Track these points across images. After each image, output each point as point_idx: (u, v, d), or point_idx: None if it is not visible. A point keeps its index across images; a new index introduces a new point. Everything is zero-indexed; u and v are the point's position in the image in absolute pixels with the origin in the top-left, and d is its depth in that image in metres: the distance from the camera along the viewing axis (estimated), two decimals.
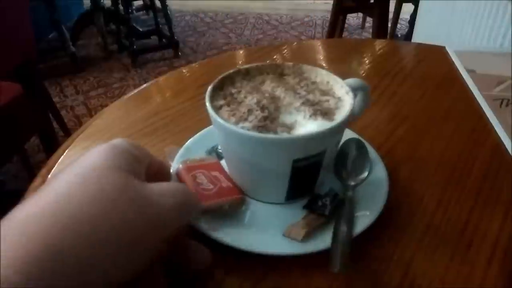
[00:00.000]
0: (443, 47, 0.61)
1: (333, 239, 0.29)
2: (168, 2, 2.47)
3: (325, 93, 0.33)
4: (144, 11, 3.09)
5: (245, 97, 0.33)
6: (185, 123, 0.46)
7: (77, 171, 0.23)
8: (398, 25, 2.54)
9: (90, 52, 2.70)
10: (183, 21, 3.19)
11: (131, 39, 2.43)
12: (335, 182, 0.35)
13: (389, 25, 2.20)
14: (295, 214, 0.32)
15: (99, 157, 0.24)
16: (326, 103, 0.32)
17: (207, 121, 0.32)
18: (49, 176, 0.39)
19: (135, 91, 0.54)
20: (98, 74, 2.41)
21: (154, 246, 0.23)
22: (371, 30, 2.23)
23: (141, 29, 2.69)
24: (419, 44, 0.65)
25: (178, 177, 0.33)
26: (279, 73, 0.36)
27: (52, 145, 1.42)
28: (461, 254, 0.30)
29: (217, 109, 0.31)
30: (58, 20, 2.23)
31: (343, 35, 2.30)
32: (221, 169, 0.35)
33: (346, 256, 0.27)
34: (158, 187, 0.25)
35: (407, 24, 2.53)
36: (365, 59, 0.62)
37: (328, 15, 2.53)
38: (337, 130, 0.30)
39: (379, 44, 0.67)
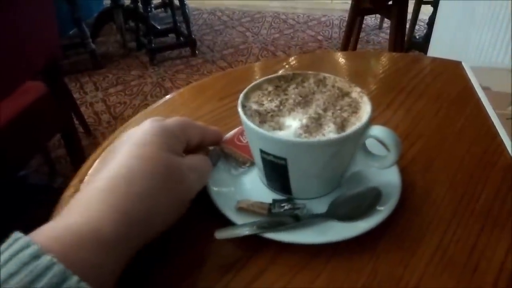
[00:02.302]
0: (460, 63, 0.62)
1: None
2: (186, 1, 2.50)
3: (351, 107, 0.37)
4: (162, 9, 3.12)
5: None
6: None
7: (134, 149, 0.31)
8: (416, 26, 2.52)
9: (109, 49, 2.75)
10: (201, 19, 3.21)
11: (150, 37, 2.46)
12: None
13: (407, 26, 2.19)
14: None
15: (151, 137, 0.32)
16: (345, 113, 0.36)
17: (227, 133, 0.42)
18: (84, 181, 0.42)
19: (159, 102, 0.56)
20: (117, 71, 2.46)
21: (186, 204, 0.34)
22: (388, 31, 2.22)
23: (159, 27, 2.73)
24: (435, 59, 0.66)
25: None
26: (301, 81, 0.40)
27: (73, 142, 1.46)
28: (467, 277, 0.32)
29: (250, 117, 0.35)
30: (79, 18, 2.28)
31: (360, 36, 2.30)
32: None
33: None
34: (188, 162, 0.34)
35: (425, 26, 2.51)
36: (381, 73, 0.63)
37: (346, 15, 2.52)
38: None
39: (395, 58, 0.68)
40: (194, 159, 0.36)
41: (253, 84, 0.39)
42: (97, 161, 0.45)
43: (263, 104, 0.37)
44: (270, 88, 0.39)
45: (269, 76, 0.40)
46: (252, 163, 0.41)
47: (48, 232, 0.25)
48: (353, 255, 0.34)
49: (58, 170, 1.67)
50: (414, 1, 2.32)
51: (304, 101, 0.37)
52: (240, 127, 0.44)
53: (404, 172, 0.40)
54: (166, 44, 2.70)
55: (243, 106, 0.36)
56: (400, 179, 0.38)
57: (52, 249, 0.23)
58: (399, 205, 0.36)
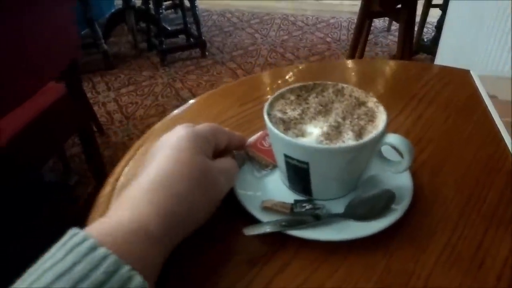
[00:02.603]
0: (468, 71, 0.65)
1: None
2: (196, 2, 2.54)
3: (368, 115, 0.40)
4: (173, 10, 3.16)
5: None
6: None
7: (172, 154, 0.35)
8: (425, 29, 2.54)
9: (120, 49, 2.80)
10: (210, 20, 3.25)
11: (161, 38, 2.50)
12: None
13: (415, 29, 2.22)
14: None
15: (186, 142, 0.36)
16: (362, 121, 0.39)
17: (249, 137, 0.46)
18: (118, 183, 0.45)
19: (180, 110, 0.59)
20: (128, 72, 2.50)
21: (217, 203, 0.37)
22: (396, 34, 2.25)
23: (169, 28, 2.77)
24: (445, 68, 0.69)
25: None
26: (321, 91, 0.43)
27: (89, 141, 1.51)
28: (473, 272, 0.35)
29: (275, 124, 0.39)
30: (92, 18, 2.33)
31: (368, 38, 2.32)
32: None
33: None
34: (218, 165, 0.37)
35: (434, 29, 2.53)
36: (392, 81, 0.67)
37: (354, 17, 2.55)
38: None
39: (405, 66, 0.71)
40: (223, 162, 0.39)
41: (276, 93, 0.42)
42: (131, 162, 0.48)
43: (287, 113, 0.40)
44: (292, 97, 0.42)
45: (291, 86, 0.43)
46: (274, 166, 0.44)
47: (101, 228, 0.29)
48: (368, 252, 0.37)
49: (73, 168, 1.72)
50: (422, 4, 2.34)
51: (324, 110, 0.40)
52: (261, 132, 0.47)
53: (414, 175, 0.43)
54: (177, 45, 2.75)
55: (268, 114, 0.40)
56: (411, 182, 0.42)
57: (106, 243, 0.27)
58: (410, 206, 0.39)
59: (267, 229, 0.37)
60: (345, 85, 0.44)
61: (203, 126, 0.40)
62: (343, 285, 0.34)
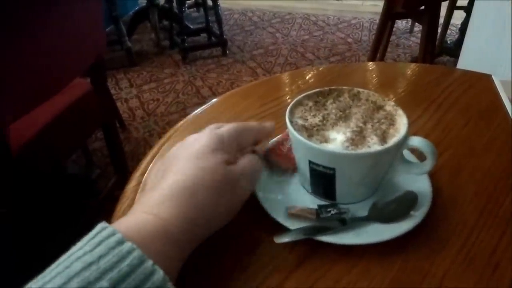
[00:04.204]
0: (490, 76, 0.65)
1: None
2: (218, 1, 2.56)
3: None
4: (195, 9, 3.20)
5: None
6: None
7: (195, 161, 0.36)
8: (448, 31, 2.51)
9: (143, 47, 2.85)
10: (232, 19, 3.28)
11: (183, 37, 2.54)
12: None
13: (439, 31, 2.19)
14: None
15: (209, 149, 0.37)
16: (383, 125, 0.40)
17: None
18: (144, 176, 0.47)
19: (201, 109, 0.61)
20: (150, 69, 2.55)
21: (238, 207, 0.38)
22: (419, 35, 2.23)
23: (191, 27, 2.81)
24: (466, 72, 0.69)
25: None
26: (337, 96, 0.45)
27: (112, 136, 1.55)
28: (488, 274, 0.36)
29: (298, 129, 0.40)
30: (117, 16, 2.38)
31: (390, 39, 2.31)
32: None
33: None
34: (240, 169, 0.37)
35: (457, 31, 2.49)
36: (412, 85, 0.67)
37: (376, 18, 2.54)
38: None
39: (426, 69, 0.71)
40: (245, 164, 0.39)
41: (294, 100, 0.43)
42: (155, 159, 0.51)
43: (307, 119, 0.41)
44: (310, 104, 0.43)
45: (308, 92, 0.44)
46: (294, 171, 0.45)
47: (128, 224, 0.31)
48: (386, 250, 0.38)
49: (95, 162, 1.77)
50: (446, 6, 2.31)
51: (344, 115, 0.41)
52: (279, 136, 0.48)
53: (433, 179, 0.44)
54: (198, 44, 2.78)
55: (290, 122, 0.40)
56: (430, 185, 0.42)
57: (132, 238, 0.28)
58: (429, 208, 0.40)
59: (297, 236, 0.38)
60: (360, 90, 0.45)
61: (227, 129, 0.40)
62: (359, 281, 0.36)
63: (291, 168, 0.45)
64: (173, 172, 0.35)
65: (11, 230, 1.04)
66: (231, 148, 0.39)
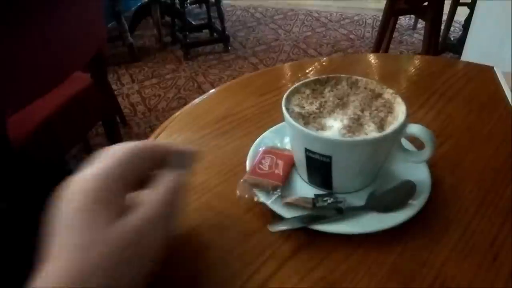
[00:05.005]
0: (492, 68, 0.64)
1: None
2: None
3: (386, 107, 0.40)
4: (197, 5, 3.19)
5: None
6: (248, 128, 0.53)
7: (74, 238, 0.26)
8: (451, 28, 2.49)
9: (145, 42, 2.85)
10: (234, 15, 3.27)
11: (185, 33, 2.53)
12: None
13: (442, 27, 2.17)
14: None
15: (86, 214, 0.27)
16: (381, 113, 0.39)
17: (267, 127, 0.48)
18: None
19: (200, 99, 0.61)
20: (152, 65, 2.54)
21: (149, 262, 0.29)
22: (422, 32, 2.21)
23: (193, 23, 2.80)
24: (469, 63, 0.68)
25: (258, 153, 0.45)
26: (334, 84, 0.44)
27: (113, 130, 1.55)
28: (487, 264, 0.35)
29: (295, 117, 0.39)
30: (119, 12, 2.37)
31: (393, 36, 2.29)
32: (288, 161, 0.44)
33: None
34: (138, 217, 0.28)
35: (461, 28, 2.48)
36: (414, 76, 0.66)
37: (379, 14, 2.52)
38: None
39: (429, 61, 0.70)
40: (147, 206, 0.29)
41: (291, 88, 0.42)
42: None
43: (304, 107, 0.40)
44: (308, 92, 0.43)
45: (305, 80, 0.44)
46: (283, 184, 0.42)
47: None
48: (384, 240, 0.37)
49: None
50: (450, 2, 2.29)
51: (342, 103, 0.41)
52: (250, 154, 0.45)
53: (433, 168, 0.43)
54: (200, 40, 2.77)
55: (286, 109, 0.40)
56: (429, 174, 0.42)
57: None
58: (428, 197, 0.40)
59: (292, 225, 0.37)
60: (359, 78, 0.44)
61: (107, 166, 0.29)
62: (356, 270, 0.35)
63: (279, 185, 0.41)
64: (55, 253, 0.26)
65: (11, 226, 1.04)
66: (118, 191, 0.29)
